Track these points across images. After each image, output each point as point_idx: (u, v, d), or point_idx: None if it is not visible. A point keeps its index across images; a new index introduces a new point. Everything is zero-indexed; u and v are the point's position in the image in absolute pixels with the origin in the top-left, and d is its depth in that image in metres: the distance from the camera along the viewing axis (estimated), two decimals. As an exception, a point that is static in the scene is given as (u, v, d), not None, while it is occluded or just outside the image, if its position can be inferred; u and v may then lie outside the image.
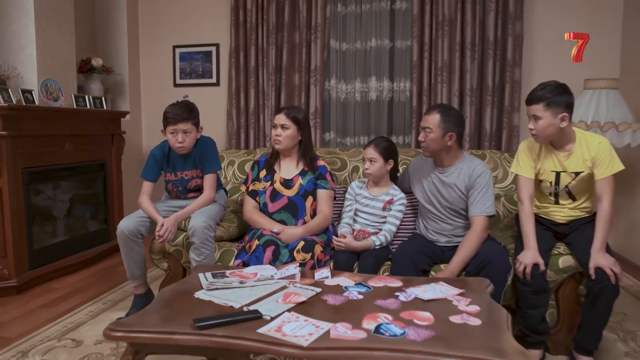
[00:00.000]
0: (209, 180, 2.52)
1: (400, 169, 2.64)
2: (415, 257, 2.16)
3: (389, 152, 2.42)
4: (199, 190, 2.58)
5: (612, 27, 3.73)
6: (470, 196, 2.22)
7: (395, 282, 1.84)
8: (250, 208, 2.48)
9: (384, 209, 2.41)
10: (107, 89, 4.23)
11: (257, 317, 1.48)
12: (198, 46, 4.45)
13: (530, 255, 2.04)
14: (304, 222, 2.41)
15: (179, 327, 1.43)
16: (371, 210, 2.43)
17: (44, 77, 3.33)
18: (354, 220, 2.46)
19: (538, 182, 2.22)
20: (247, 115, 4.23)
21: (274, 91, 4.14)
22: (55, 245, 3.40)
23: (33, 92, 3.19)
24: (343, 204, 2.56)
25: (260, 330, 1.40)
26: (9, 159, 2.92)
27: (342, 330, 1.40)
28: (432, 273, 2.20)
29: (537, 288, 2.04)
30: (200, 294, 1.70)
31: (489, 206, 2.19)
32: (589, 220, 2.16)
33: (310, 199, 2.45)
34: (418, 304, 1.62)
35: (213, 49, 4.41)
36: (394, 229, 2.39)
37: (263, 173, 2.52)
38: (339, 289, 1.76)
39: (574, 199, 2.19)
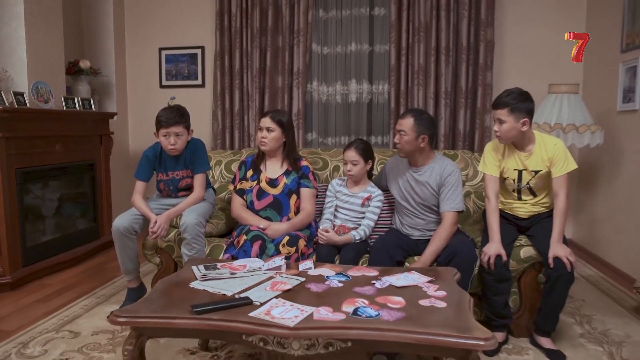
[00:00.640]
0: (199, 179, 2.66)
1: (378, 168, 2.83)
2: (391, 249, 2.35)
3: (369, 153, 2.58)
4: (188, 189, 2.72)
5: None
6: (441, 193, 2.41)
7: (373, 272, 2.02)
8: (238, 205, 2.63)
9: (362, 205, 2.59)
10: (94, 90, 4.32)
11: (248, 303, 1.65)
12: (184, 48, 4.55)
13: (493, 247, 2.25)
14: (289, 219, 2.57)
15: (178, 313, 1.60)
16: (351, 207, 2.60)
17: (34, 80, 3.42)
18: (335, 216, 2.63)
19: (502, 179, 2.43)
20: (232, 116, 4.36)
21: (258, 93, 4.28)
22: (47, 243, 3.50)
23: (24, 95, 3.29)
24: (324, 201, 2.73)
25: (252, 314, 1.57)
26: (2, 160, 3.02)
27: (324, 313, 1.58)
28: (407, 264, 2.39)
29: (500, 277, 2.25)
30: (195, 284, 1.86)
31: (458, 202, 2.39)
32: (548, 215, 2.37)
33: (294, 197, 2.61)
34: (392, 290, 1.81)
35: (198, 51, 4.52)
36: (372, 224, 2.57)
37: (250, 173, 2.67)
38: (321, 278, 1.93)
39: (534, 195, 2.40)
